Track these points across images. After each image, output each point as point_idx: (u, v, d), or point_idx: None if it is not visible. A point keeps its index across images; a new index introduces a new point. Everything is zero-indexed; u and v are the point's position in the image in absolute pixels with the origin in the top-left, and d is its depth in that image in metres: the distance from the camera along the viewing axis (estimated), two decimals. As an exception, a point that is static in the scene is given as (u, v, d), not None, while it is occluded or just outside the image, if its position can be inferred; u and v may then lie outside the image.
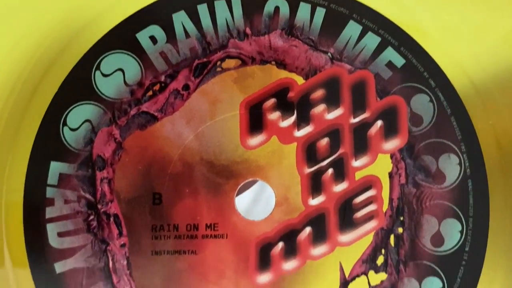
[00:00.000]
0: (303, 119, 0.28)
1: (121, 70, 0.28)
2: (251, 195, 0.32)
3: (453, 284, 0.27)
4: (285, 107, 0.28)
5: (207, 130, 0.28)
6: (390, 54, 0.28)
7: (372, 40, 0.28)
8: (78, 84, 0.28)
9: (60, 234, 0.27)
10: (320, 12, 0.28)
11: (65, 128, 0.27)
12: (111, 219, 0.27)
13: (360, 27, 0.28)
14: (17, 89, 0.28)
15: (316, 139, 0.28)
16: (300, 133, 0.28)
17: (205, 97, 0.28)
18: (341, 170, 0.28)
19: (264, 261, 0.28)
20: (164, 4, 0.28)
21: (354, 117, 0.28)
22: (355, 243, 0.28)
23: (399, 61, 0.28)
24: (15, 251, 0.27)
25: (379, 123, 0.28)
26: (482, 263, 0.28)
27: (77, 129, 0.28)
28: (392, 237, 0.28)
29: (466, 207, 0.28)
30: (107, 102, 0.28)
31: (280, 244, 0.28)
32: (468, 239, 0.28)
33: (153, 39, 0.28)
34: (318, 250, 0.28)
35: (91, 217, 0.27)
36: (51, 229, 0.27)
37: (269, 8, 0.28)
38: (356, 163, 0.28)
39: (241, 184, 0.28)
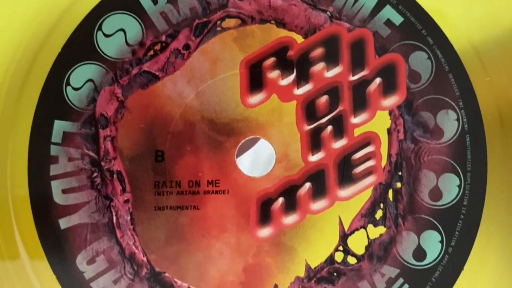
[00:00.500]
0: (302, 77, 0.28)
1: (123, 30, 0.28)
2: (252, 152, 0.32)
3: (452, 238, 0.28)
4: (284, 65, 0.28)
5: (207, 89, 0.29)
6: (389, 12, 0.29)
7: (370, -1, 0.29)
8: (80, 45, 0.28)
9: (64, 191, 0.28)
10: (319, -29, 0.29)
11: (68, 88, 0.28)
12: (115, 176, 0.28)
13: (359, -14, 0.29)
14: (20, 50, 0.28)
15: (315, 96, 0.28)
16: (300, 91, 0.29)
17: (206, 57, 0.29)
18: (340, 127, 0.28)
19: (265, 216, 0.28)
20: (164, -35, 0.29)
21: (353, 75, 0.28)
22: (354, 198, 0.28)
23: (397, 19, 0.29)
24: (20, 208, 0.28)
25: (378, 80, 0.28)
26: (480, 217, 0.28)
27: (80, 88, 0.28)
28: (390, 191, 0.28)
29: (464, 162, 0.28)
30: (109, 62, 0.28)
31: (280, 200, 0.28)
32: (466, 194, 0.28)
33: (153, -1, 0.28)
34: (318, 205, 0.28)
35: (95, 174, 0.28)
36: (56, 186, 0.28)
37: (268, -33, 0.29)
38: (355, 120, 0.28)
39: (242, 142, 0.29)
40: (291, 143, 0.28)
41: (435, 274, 0.28)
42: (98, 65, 0.28)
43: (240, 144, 0.29)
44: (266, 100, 0.29)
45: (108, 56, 0.28)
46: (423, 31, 0.29)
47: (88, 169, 0.28)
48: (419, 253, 0.28)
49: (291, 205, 0.28)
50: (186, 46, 0.29)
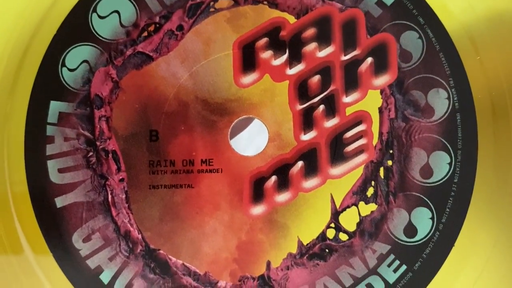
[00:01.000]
0: (294, 57, 0.29)
1: (117, 12, 0.29)
2: (245, 132, 0.33)
3: (442, 215, 0.28)
4: (277, 45, 0.29)
5: (201, 69, 0.29)
6: (380, -8, 0.29)
7: (362, -21, 0.29)
8: (75, 27, 0.28)
9: (60, 170, 0.28)
10: (311, -48, 0.29)
11: (64, 69, 0.28)
12: (110, 155, 0.28)
13: (350, -34, 0.29)
14: (16, 33, 0.29)
15: (307, 76, 0.29)
16: (292, 71, 0.29)
17: (199, 37, 0.29)
18: (332, 106, 0.29)
19: (258, 194, 0.28)
20: None
21: (345, 55, 0.29)
22: (345, 176, 0.28)
23: (388, -1, 0.29)
24: (17, 187, 0.28)
25: (369, 60, 0.29)
26: (470, 194, 0.28)
27: (75, 69, 0.28)
28: (382, 169, 0.28)
29: (455, 140, 0.28)
30: (103, 43, 0.29)
31: (273, 178, 0.28)
32: (456, 171, 0.28)
33: (147, -20, 0.29)
34: (310, 183, 0.28)
35: (90, 153, 0.28)
36: (52, 166, 0.28)
37: (260, -52, 0.29)
38: (346, 99, 0.29)
39: (235, 121, 0.29)
40: (283, 122, 0.29)
41: (426, 250, 0.28)
42: (93, 46, 0.28)
43: (233, 123, 0.29)
44: (259, 80, 0.29)
45: (102, 37, 0.29)
46: (414, 11, 0.29)
47: (83, 149, 0.28)
48: (410, 229, 0.28)
49: (283, 183, 0.28)
50: (180, 27, 0.29)
